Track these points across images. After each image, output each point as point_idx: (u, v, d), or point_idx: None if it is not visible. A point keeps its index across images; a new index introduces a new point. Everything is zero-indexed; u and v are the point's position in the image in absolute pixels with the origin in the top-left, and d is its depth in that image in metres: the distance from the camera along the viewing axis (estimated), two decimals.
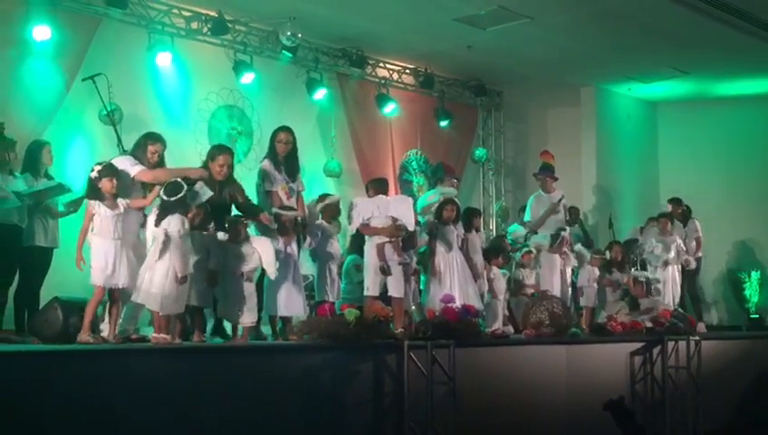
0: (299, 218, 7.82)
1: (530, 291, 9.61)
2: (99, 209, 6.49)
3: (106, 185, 6.56)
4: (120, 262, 6.50)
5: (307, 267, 8.36)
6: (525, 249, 9.90)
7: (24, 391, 5.08)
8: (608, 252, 10.56)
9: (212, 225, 7.09)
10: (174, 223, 6.51)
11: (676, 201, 12.17)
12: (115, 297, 6.58)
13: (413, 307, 8.14)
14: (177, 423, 5.71)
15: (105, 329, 6.71)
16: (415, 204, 9.52)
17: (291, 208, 7.76)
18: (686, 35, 11.28)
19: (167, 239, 6.46)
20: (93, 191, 6.58)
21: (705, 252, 12.23)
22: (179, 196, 6.56)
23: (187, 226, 6.59)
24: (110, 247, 6.47)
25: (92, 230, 6.51)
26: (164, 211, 6.55)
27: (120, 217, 6.55)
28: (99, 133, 9.06)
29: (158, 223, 6.52)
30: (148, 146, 7.16)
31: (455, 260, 8.56)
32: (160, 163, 7.21)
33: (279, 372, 6.37)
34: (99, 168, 6.62)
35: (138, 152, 7.14)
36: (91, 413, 5.32)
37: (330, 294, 8.08)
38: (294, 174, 8.09)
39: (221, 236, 7.15)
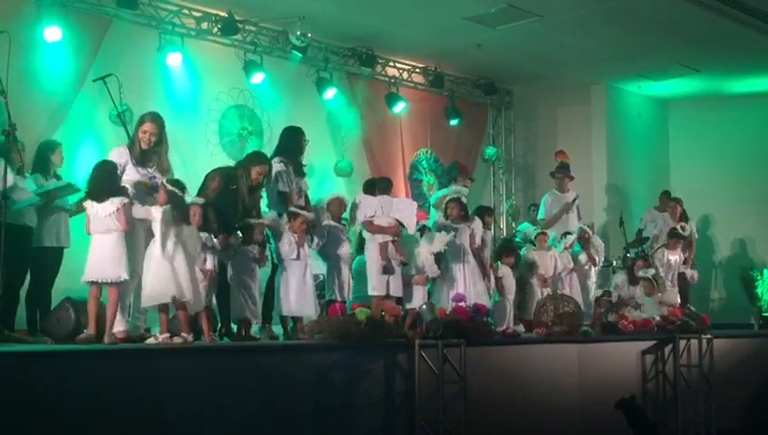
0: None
1: (543, 275, 9.62)
2: (91, 208, 6.43)
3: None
4: (110, 257, 6.34)
5: (316, 267, 8.36)
6: (539, 230, 9.95)
7: (38, 392, 5.10)
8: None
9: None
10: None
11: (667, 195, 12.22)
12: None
13: (423, 306, 8.14)
14: (188, 423, 5.73)
15: (121, 326, 6.75)
16: (423, 206, 9.59)
17: (303, 208, 7.81)
18: (697, 33, 11.25)
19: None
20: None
21: (717, 249, 12.28)
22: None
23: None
24: (100, 244, 6.36)
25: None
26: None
27: (112, 214, 6.40)
28: (109, 134, 9.08)
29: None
30: (138, 127, 7.08)
31: (463, 258, 8.58)
32: (157, 144, 7.08)
33: (290, 372, 6.37)
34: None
35: (134, 137, 7.09)
36: (105, 413, 5.34)
37: (338, 294, 8.09)
38: (301, 173, 8.19)
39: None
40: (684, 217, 12.03)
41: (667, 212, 12.00)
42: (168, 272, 6.42)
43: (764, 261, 13.96)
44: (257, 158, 7.63)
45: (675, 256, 11.11)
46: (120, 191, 6.52)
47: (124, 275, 6.33)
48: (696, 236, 12.11)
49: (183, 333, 6.41)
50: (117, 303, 6.34)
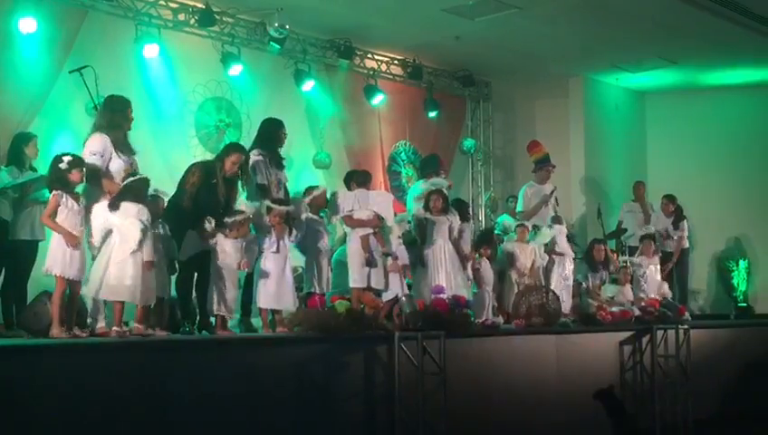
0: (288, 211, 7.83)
1: (521, 267, 9.65)
2: (66, 201, 6.40)
3: (76, 176, 6.51)
4: (79, 255, 6.40)
5: (295, 259, 8.34)
6: (518, 223, 9.99)
7: (14, 385, 5.07)
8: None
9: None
10: (134, 210, 6.52)
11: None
12: (75, 290, 6.45)
13: (403, 298, 8.16)
14: (167, 417, 5.71)
15: (97, 323, 6.71)
16: (403, 197, 9.58)
17: (282, 201, 7.78)
18: (674, 25, 11.30)
19: (144, 228, 6.47)
20: (61, 182, 6.47)
21: (693, 240, 12.38)
22: (137, 178, 6.62)
23: (147, 215, 6.58)
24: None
25: (53, 220, 6.40)
26: (121, 197, 6.56)
27: (81, 210, 6.50)
28: (86, 126, 8.92)
29: (114, 208, 6.50)
30: (126, 110, 7.16)
31: (443, 250, 8.61)
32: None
33: (269, 365, 6.36)
34: (68, 159, 6.52)
35: (118, 121, 7.11)
36: (81, 406, 5.31)
37: (317, 286, 8.08)
38: (280, 166, 8.17)
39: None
40: (678, 216, 12.10)
41: (661, 211, 12.10)
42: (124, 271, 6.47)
43: (740, 252, 14.10)
44: (232, 148, 7.63)
45: (653, 265, 10.93)
46: (62, 186, 6.45)
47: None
48: (686, 234, 12.16)
49: (114, 327, 6.41)
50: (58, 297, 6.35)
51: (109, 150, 6.93)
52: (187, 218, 7.15)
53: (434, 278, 8.42)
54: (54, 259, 6.32)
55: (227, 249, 7.17)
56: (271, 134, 8.19)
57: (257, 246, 7.47)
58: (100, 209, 6.58)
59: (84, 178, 6.60)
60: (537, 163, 11.16)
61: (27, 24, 8.67)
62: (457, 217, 8.89)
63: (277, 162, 8.14)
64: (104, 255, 6.50)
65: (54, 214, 6.38)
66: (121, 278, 6.42)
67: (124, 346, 6.01)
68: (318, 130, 11.63)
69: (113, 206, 6.52)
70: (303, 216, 8.08)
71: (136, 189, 6.61)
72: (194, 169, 7.40)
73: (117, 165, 6.94)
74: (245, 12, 10.51)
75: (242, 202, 7.73)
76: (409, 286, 8.59)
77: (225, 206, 7.34)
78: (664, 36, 11.75)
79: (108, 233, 6.53)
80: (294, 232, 7.94)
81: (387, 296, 7.92)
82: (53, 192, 6.44)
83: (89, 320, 6.79)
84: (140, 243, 6.47)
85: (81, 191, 6.62)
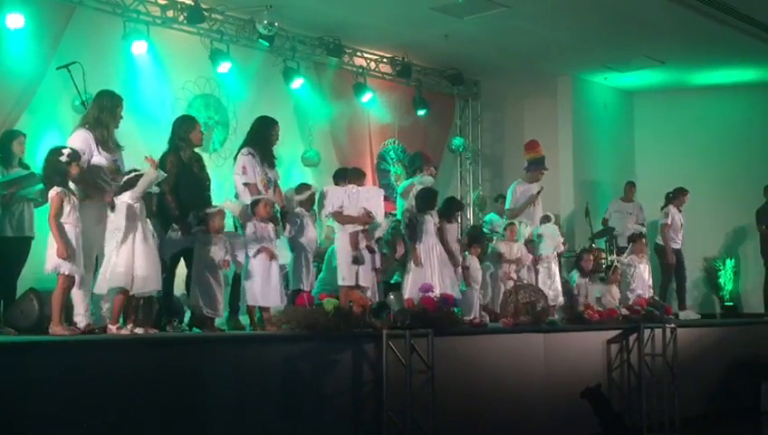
0: (277, 207, 7.81)
1: (511, 265, 9.67)
2: (68, 197, 6.25)
3: (75, 169, 6.37)
4: (80, 251, 6.29)
5: (283, 256, 8.31)
6: (508, 222, 10.00)
7: (1, 384, 5.04)
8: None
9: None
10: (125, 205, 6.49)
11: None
12: (70, 287, 6.35)
13: (391, 296, 8.16)
14: (155, 414, 5.69)
15: (80, 320, 6.66)
16: (392, 196, 9.55)
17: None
18: (662, 25, 11.34)
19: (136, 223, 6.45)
20: (62, 176, 6.30)
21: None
22: (136, 174, 6.57)
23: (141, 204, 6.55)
24: (76, 236, 6.27)
25: (58, 221, 6.26)
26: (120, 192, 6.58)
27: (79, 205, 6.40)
28: (73, 122, 8.90)
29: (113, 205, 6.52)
30: (117, 109, 7.10)
31: (433, 249, 8.61)
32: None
33: (257, 362, 6.35)
34: (68, 151, 6.35)
35: (106, 118, 7.00)
36: (67, 405, 5.29)
37: (305, 283, 8.06)
38: (272, 164, 8.13)
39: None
40: None
41: (672, 204, 12.13)
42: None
43: (727, 251, 14.16)
44: (188, 120, 7.74)
45: (643, 264, 10.98)
46: (61, 180, 6.31)
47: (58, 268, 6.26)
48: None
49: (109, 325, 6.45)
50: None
51: (90, 147, 6.82)
52: (171, 215, 7.16)
53: (423, 276, 8.42)
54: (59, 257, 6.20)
55: (209, 246, 7.12)
56: (263, 132, 8.15)
57: (241, 244, 7.43)
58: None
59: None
60: (531, 163, 11.14)
61: (14, 20, 8.62)
62: (437, 216, 8.89)
63: (269, 161, 8.10)
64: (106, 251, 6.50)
65: (59, 213, 6.18)
66: (116, 269, 6.40)
67: (111, 344, 5.99)
68: (307, 127, 11.63)
69: (112, 203, 6.50)
70: (297, 210, 8.07)
71: (133, 186, 6.57)
72: (167, 157, 7.37)
73: (98, 162, 6.83)
74: (234, 9, 10.49)
75: (228, 200, 7.71)
76: (398, 284, 8.59)
77: (202, 183, 7.42)
78: (652, 36, 11.80)
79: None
80: (288, 227, 7.93)
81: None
82: (55, 190, 6.22)
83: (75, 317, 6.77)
84: (132, 235, 6.46)
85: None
